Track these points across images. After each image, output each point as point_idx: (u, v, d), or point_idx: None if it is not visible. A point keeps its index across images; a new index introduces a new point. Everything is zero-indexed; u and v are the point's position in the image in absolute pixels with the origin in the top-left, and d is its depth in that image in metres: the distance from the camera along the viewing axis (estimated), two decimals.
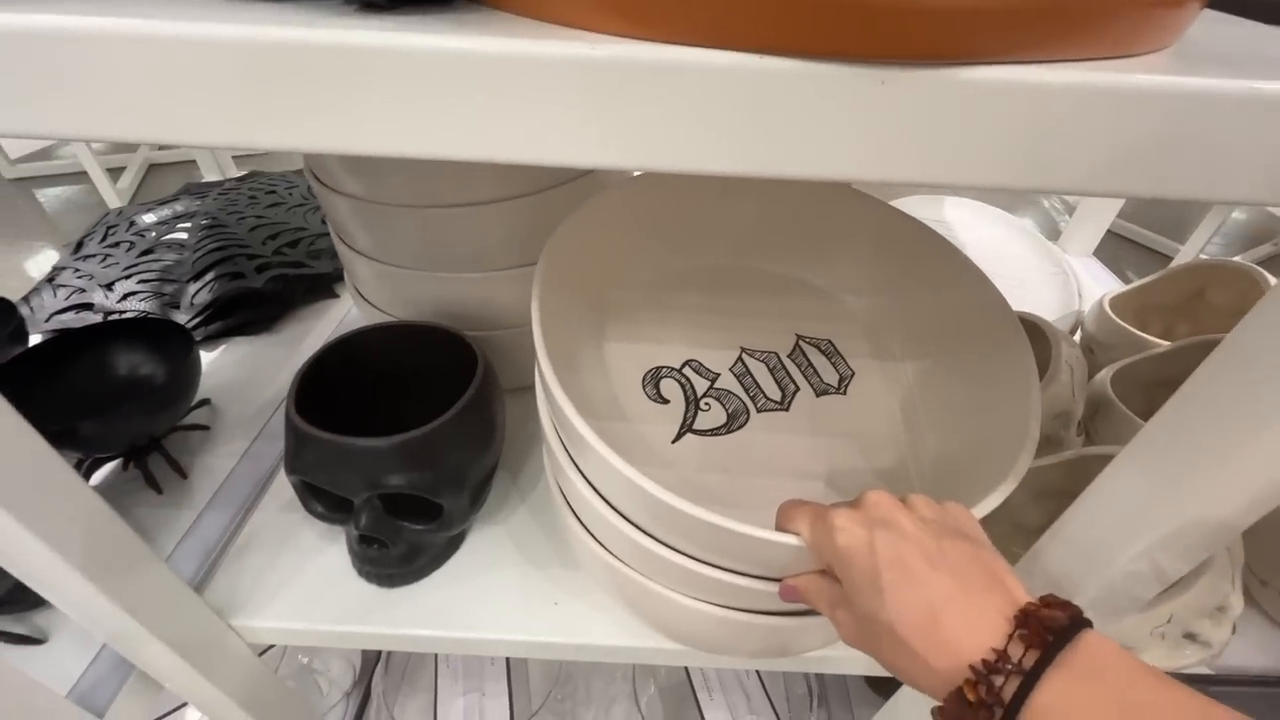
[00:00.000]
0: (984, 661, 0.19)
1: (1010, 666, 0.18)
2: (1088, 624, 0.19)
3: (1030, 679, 0.18)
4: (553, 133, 0.15)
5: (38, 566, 0.26)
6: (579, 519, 0.34)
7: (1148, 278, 0.59)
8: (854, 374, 0.39)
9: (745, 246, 0.43)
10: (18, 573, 0.27)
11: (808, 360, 0.40)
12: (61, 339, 0.46)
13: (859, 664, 0.38)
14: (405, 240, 0.43)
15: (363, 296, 0.50)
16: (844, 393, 0.38)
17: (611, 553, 0.32)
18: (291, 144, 0.16)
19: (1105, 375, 0.47)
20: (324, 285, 0.66)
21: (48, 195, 1.94)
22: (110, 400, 0.46)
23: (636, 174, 0.42)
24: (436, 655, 0.54)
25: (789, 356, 0.40)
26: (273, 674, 0.42)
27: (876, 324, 0.41)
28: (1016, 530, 0.39)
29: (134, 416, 0.43)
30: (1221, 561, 0.31)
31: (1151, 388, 0.49)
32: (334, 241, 0.49)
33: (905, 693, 0.42)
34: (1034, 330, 0.45)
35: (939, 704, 0.20)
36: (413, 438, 0.33)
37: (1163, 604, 0.31)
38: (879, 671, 0.37)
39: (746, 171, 0.16)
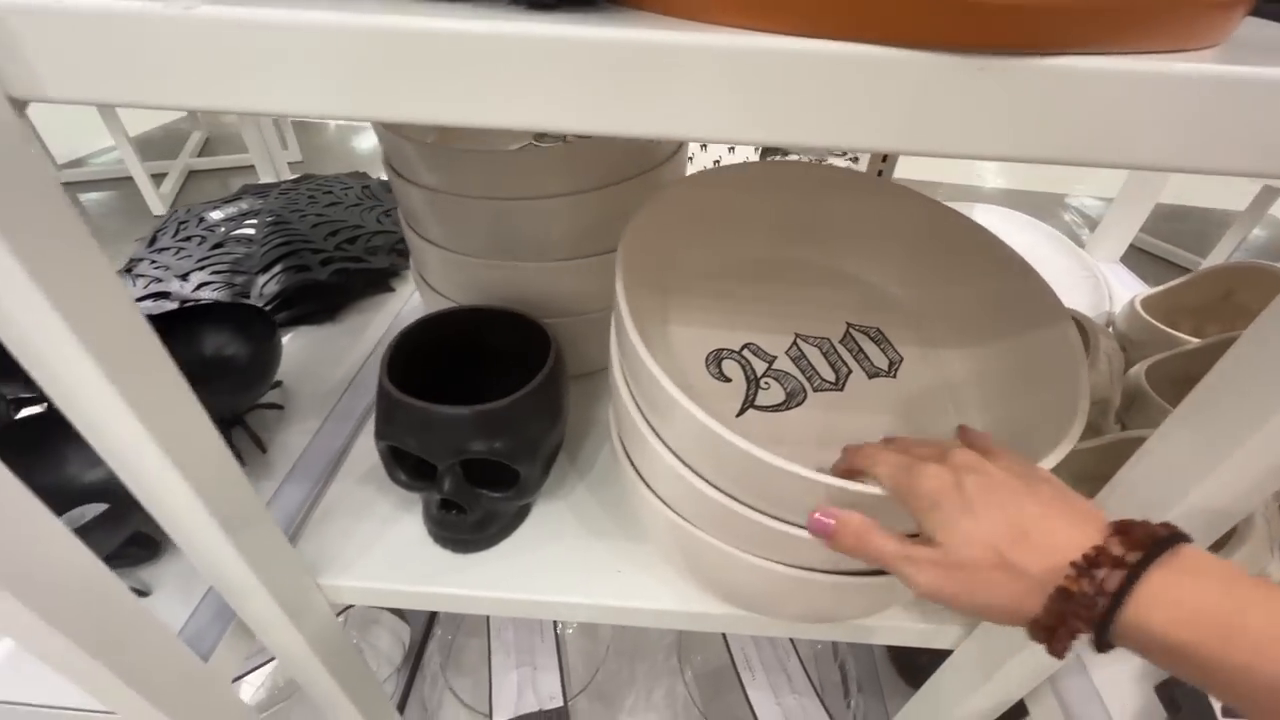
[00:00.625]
0: (1085, 556, 0.19)
1: (1114, 559, 0.19)
2: (1186, 539, 0.20)
3: (1136, 570, 0.18)
4: (702, 112, 0.18)
5: (183, 512, 0.29)
6: (648, 485, 0.36)
7: (1178, 280, 0.61)
8: (902, 359, 0.41)
9: (796, 240, 0.46)
10: (164, 515, 0.30)
11: (859, 346, 0.42)
12: (154, 320, 0.50)
13: (905, 634, 0.40)
14: (475, 230, 0.46)
15: (428, 284, 0.53)
16: (894, 376, 0.41)
17: (681, 515, 0.34)
18: (485, 120, 0.19)
19: (1140, 369, 0.49)
20: (381, 280, 0.69)
21: (89, 199, 2.01)
22: (198, 378, 0.49)
23: (694, 172, 0.45)
24: (489, 631, 0.56)
25: (840, 342, 0.42)
26: (348, 635, 0.45)
27: (922, 313, 0.43)
28: None
29: (222, 393, 0.46)
30: (1260, 532, 0.33)
31: (1182, 383, 0.51)
32: (404, 231, 0.52)
33: (938, 680, 0.44)
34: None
35: (1036, 616, 0.21)
36: (498, 407, 0.36)
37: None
38: (918, 644, 0.39)
39: (865, 146, 0.18)
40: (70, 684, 0.34)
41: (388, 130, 0.44)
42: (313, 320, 0.63)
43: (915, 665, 0.66)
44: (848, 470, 0.28)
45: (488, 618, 0.57)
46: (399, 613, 0.65)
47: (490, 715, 0.50)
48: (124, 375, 0.24)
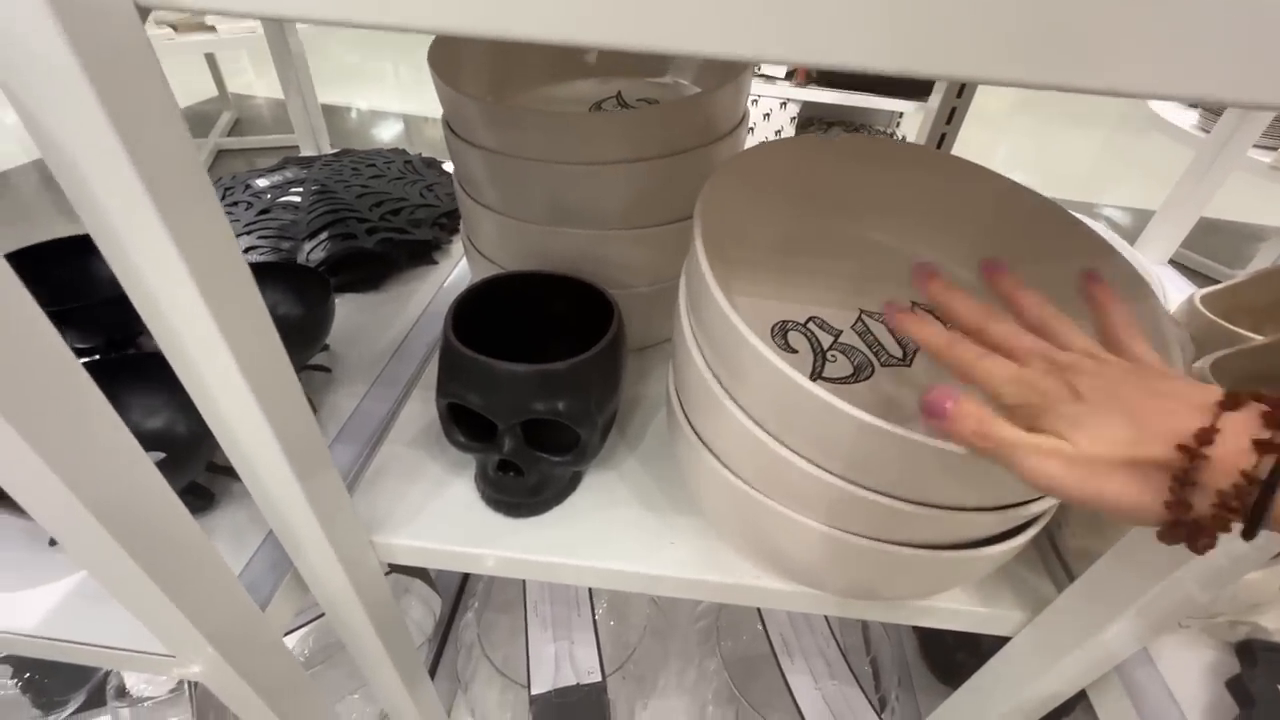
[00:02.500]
0: (1223, 443, 0.18)
1: (1261, 443, 0.18)
2: None
3: None
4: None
5: (261, 454, 0.29)
6: (713, 452, 0.35)
7: (1239, 277, 0.59)
8: None
9: (860, 216, 0.45)
10: (242, 456, 0.29)
11: None
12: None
13: (964, 618, 0.39)
14: (533, 194, 0.46)
15: (479, 251, 0.53)
16: None
17: (748, 482, 0.34)
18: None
19: (1204, 363, 0.48)
20: (424, 251, 0.69)
21: None
22: None
23: (757, 143, 0.44)
24: (525, 605, 0.56)
25: None
26: (393, 596, 0.45)
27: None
28: (1090, 515, 0.40)
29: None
30: None
31: (1246, 379, 0.50)
32: (458, 196, 0.52)
33: (993, 668, 0.43)
34: None
35: (1171, 515, 0.20)
36: (563, 368, 0.36)
37: None
38: (976, 629, 0.38)
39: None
40: (131, 625, 0.34)
41: (449, 88, 0.44)
42: (357, 288, 0.63)
43: (951, 662, 0.65)
44: (960, 369, 0.25)
45: (523, 591, 0.57)
46: (430, 582, 0.65)
47: (529, 686, 0.49)
48: (224, 312, 0.24)
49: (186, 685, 0.54)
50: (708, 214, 0.34)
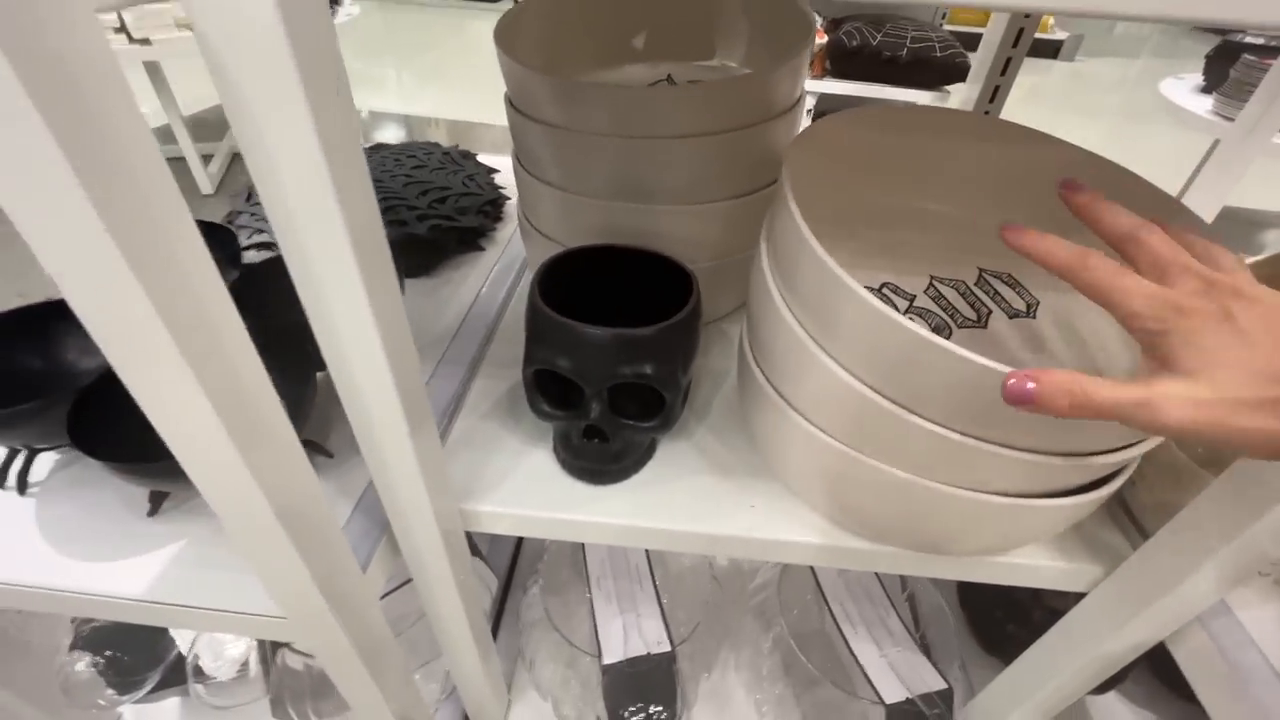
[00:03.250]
0: None
1: None
2: None
3: None
4: None
5: (382, 406, 0.30)
6: (794, 408, 0.36)
7: (1258, 257, 0.59)
8: (1039, 302, 0.42)
9: (921, 187, 0.46)
10: (362, 409, 0.30)
11: (994, 289, 0.42)
12: (276, 263, 0.51)
13: (1042, 574, 0.40)
14: (596, 169, 0.47)
15: (538, 230, 0.53)
16: (1033, 317, 0.41)
17: (832, 435, 0.35)
18: None
19: None
20: (471, 238, 0.70)
21: None
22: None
23: (824, 117, 0.45)
24: (588, 581, 0.57)
25: (975, 285, 0.42)
26: (472, 561, 0.45)
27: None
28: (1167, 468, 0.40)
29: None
30: None
31: None
32: (517, 176, 0.53)
33: (1066, 625, 0.43)
34: None
35: None
36: (651, 332, 0.36)
37: None
38: (1054, 585, 0.38)
39: None
40: (237, 590, 0.35)
41: (520, 65, 0.45)
42: (410, 274, 0.64)
43: (1002, 634, 0.65)
44: (1095, 288, 0.23)
45: (585, 568, 0.58)
46: (486, 562, 0.65)
47: (600, 656, 0.50)
48: (368, 264, 0.25)
49: (257, 662, 0.55)
50: (795, 177, 0.35)
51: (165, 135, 1.81)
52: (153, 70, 1.61)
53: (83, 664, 0.50)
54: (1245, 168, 0.87)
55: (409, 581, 0.56)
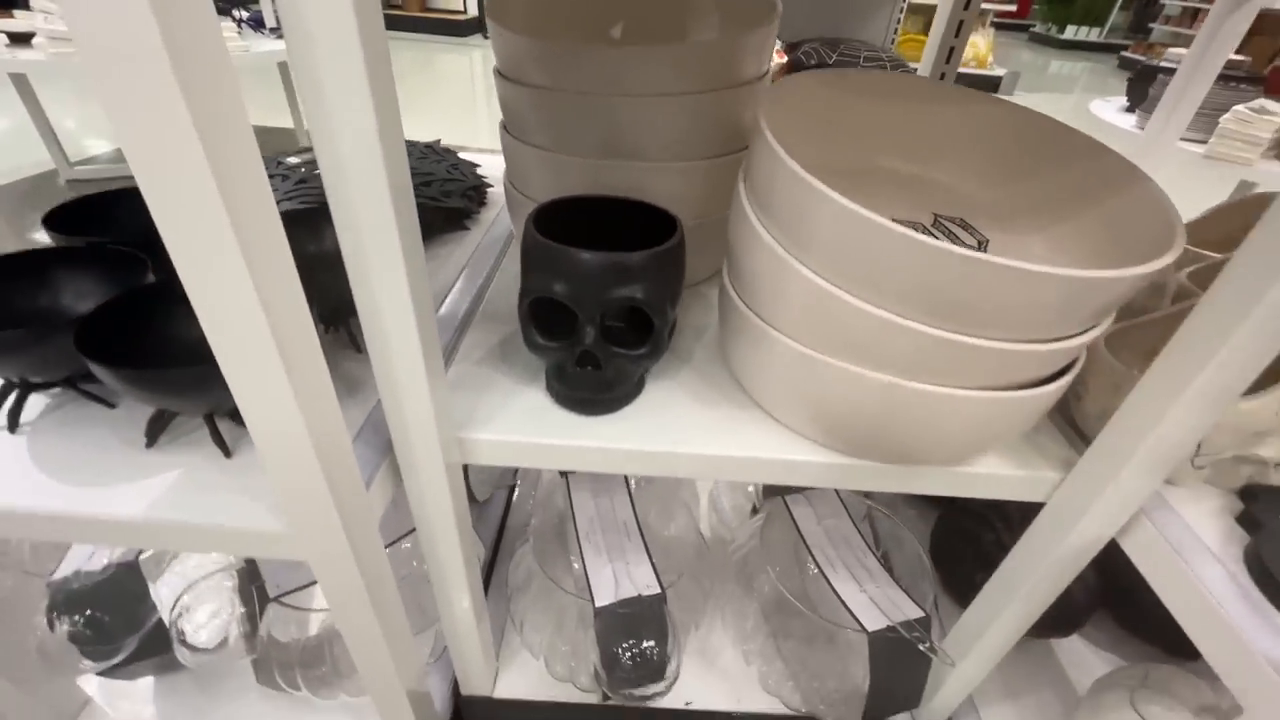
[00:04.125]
0: None
1: None
2: None
3: None
4: None
5: (400, 317, 0.32)
6: (771, 325, 0.39)
7: (1200, 214, 0.67)
8: (989, 240, 0.46)
9: (878, 145, 0.50)
10: (379, 327, 0.32)
11: (949, 230, 0.46)
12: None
13: (1003, 484, 0.43)
14: (582, 130, 0.50)
15: (525, 195, 0.56)
16: (984, 252, 0.45)
17: (806, 345, 0.38)
18: None
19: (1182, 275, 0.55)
20: (457, 219, 0.72)
21: None
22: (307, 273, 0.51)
23: (790, 76, 0.49)
24: (578, 535, 0.58)
25: (932, 226, 0.47)
26: (466, 495, 0.47)
27: (1003, 205, 0.48)
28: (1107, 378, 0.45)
29: (329, 289, 0.48)
30: None
31: None
32: (504, 145, 0.56)
33: (1034, 530, 0.47)
34: None
35: None
36: (641, 257, 0.39)
37: (1276, 385, 0.37)
38: (1015, 495, 0.42)
39: None
40: (240, 509, 0.36)
41: (509, 31, 0.49)
42: None
43: (970, 585, 0.68)
44: None
45: (574, 525, 0.59)
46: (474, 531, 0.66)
47: (592, 600, 0.51)
48: (399, 195, 0.28)
49: (238, 637, 0.54)
50: (769, 113, 0.39)
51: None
52: None
53: (60, 628, 0.49)
54: (1157, 170, 0.97)
55: (403, 538, 0.56)
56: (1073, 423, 0.46)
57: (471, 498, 0.75)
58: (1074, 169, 0.45)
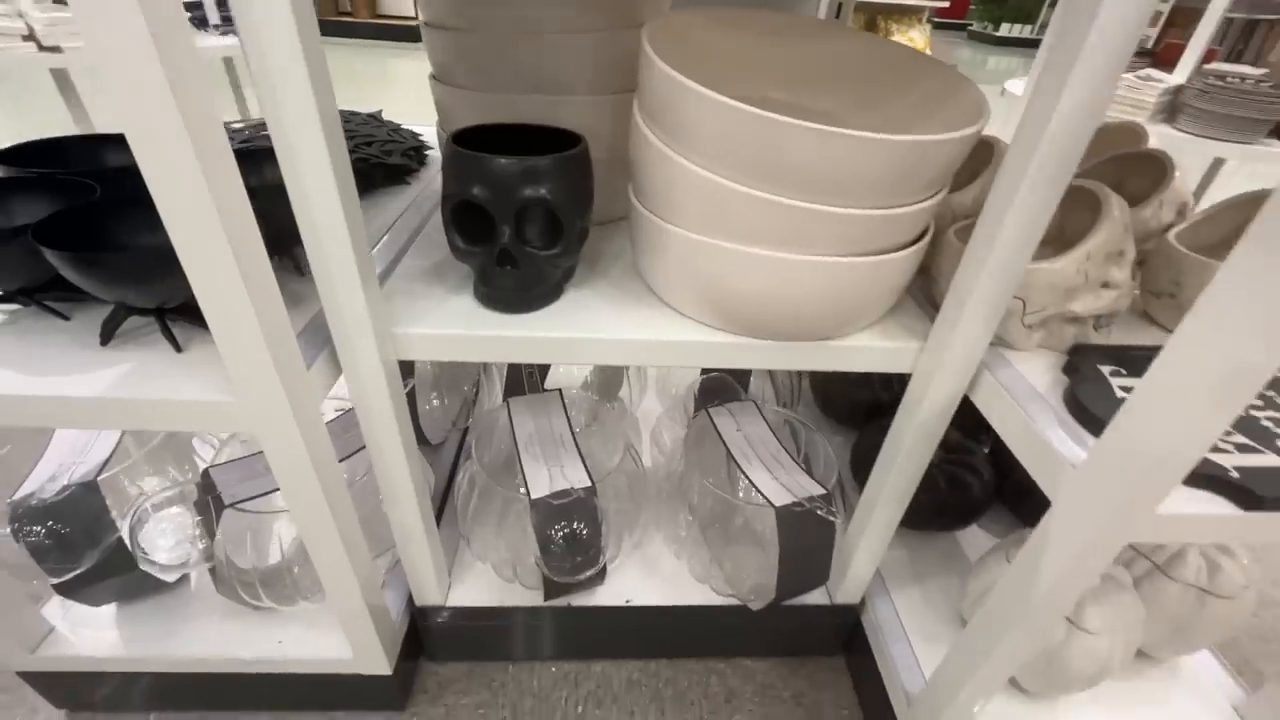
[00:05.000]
0: None
1: None
2: None
3: None
4: None
5: (334, 226, 0.38)
6: (667, 221, 0.45)
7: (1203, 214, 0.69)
8: None
9: (763, 80, 0.57)
10: (316, 236, 0.38)
11: None
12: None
13: (873, 356, 0.50)
14: (502, 67, 0.55)
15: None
16: None
17: (698, 232, 0.44)
18: None
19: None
20: (397, 175, 0.77)
21: None
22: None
23: (684, 8, 0.55)
24: (517, 446, 0.63)
25: None
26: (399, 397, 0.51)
27: (871, 125, 0.55)
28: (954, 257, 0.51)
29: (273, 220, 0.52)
30: (1114, 218, 0.45)
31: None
32: (434, 92, 0.61)
33: (905, 406, 0.54)
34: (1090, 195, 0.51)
35: None
36: (548, 160, 0.45)
37: (1079, 246, 0.45)
38: (884, 367, 0.49)
39: None
40: (190, 385, 0.40)
41: None
42: None
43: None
44: None
45: (514, 439, 0.64)
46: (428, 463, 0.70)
47: (528, 494, 0.56)
48: (329, 130, 0.33)
49: (196, 537, 0.58)
50: (654, 38, 0.45)
51: None
52: (61, 79, 1.60)
53: (21, 542, 0.52)
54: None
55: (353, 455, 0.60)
56: (934, 303, 0.53)
57: (424, 440, 0.79)
58: (924, 85, 0.52)
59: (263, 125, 0.82)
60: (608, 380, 0.86)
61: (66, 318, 0.47)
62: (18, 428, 0.41)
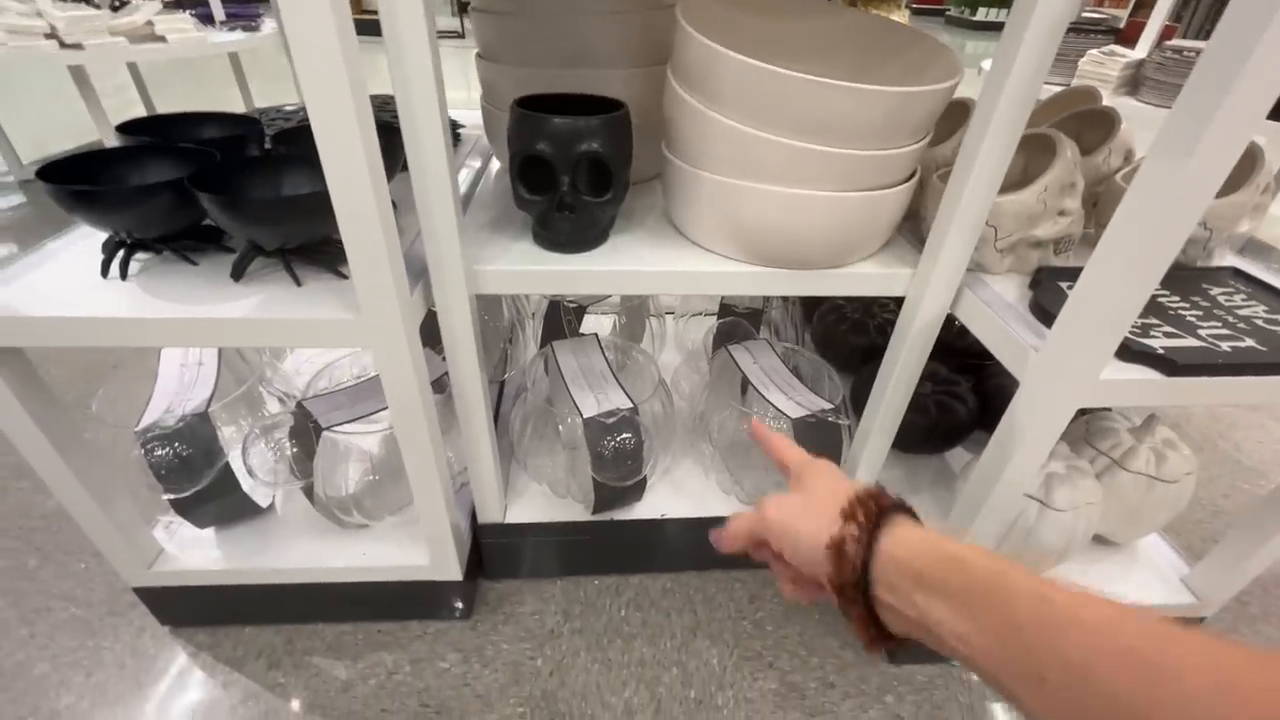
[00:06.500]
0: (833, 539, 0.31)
1: (856, 534, 0.30)
2: (904, 508, 0.32)
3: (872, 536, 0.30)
4: None
5: (439, 178, 0.46)
6: (695, 166, 0.55)
7: None
8: None
9: (770, 51, 0.66)
10: (425, 189, 0.46)
11: None
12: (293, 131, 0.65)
13: (870, 281, 0.60)
14: (542, 45, 0.64)
15: (498, 109, 0.70)
16: None
17: (723, 175, 0.53)
18: None
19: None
20: None
21: None
22: None
23: None
24: (564, 379, 0.72)
25: None
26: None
27: None
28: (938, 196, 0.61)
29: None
30: (1066, 157, 0.55)
31: None
32: (479, 69, 0.69)
33: (902, 324, 0.63)
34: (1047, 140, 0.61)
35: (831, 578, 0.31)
36: (600, 119, 0.54)
37: (1038, 179, 0.54)
38: (880, 291, 0.58)
39: None
40: (315, 309, 0.49)
41: None
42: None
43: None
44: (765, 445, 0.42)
45: (560, 373, 0.73)
46: None
47: (580, 414, 0.66)
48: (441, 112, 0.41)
49: (294, 457, 0.66)
50: (686, 11, 0.54)
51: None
52: (79, 77, 1.65)
53: (151, 459, 0.60)
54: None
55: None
56: (921, 239, 0.63)
57: None
58: (909, 53, 0.62)
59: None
60: (631, 329, 0.96)
61: (195, 263, 0.55)
62: (182, 346, 0.50)
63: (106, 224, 0.50)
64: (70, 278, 0.53)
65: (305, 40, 0.36)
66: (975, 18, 7.17)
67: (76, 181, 0.50)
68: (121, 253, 0.52)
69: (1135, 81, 1.58)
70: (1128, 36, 1.80)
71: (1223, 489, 1.04)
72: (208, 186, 0.50)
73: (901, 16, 4.68)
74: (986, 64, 2.05)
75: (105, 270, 0.52)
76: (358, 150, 0.41)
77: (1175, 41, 1.58)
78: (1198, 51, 1.50)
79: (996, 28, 7.62)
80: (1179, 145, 0.37)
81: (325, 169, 0.42)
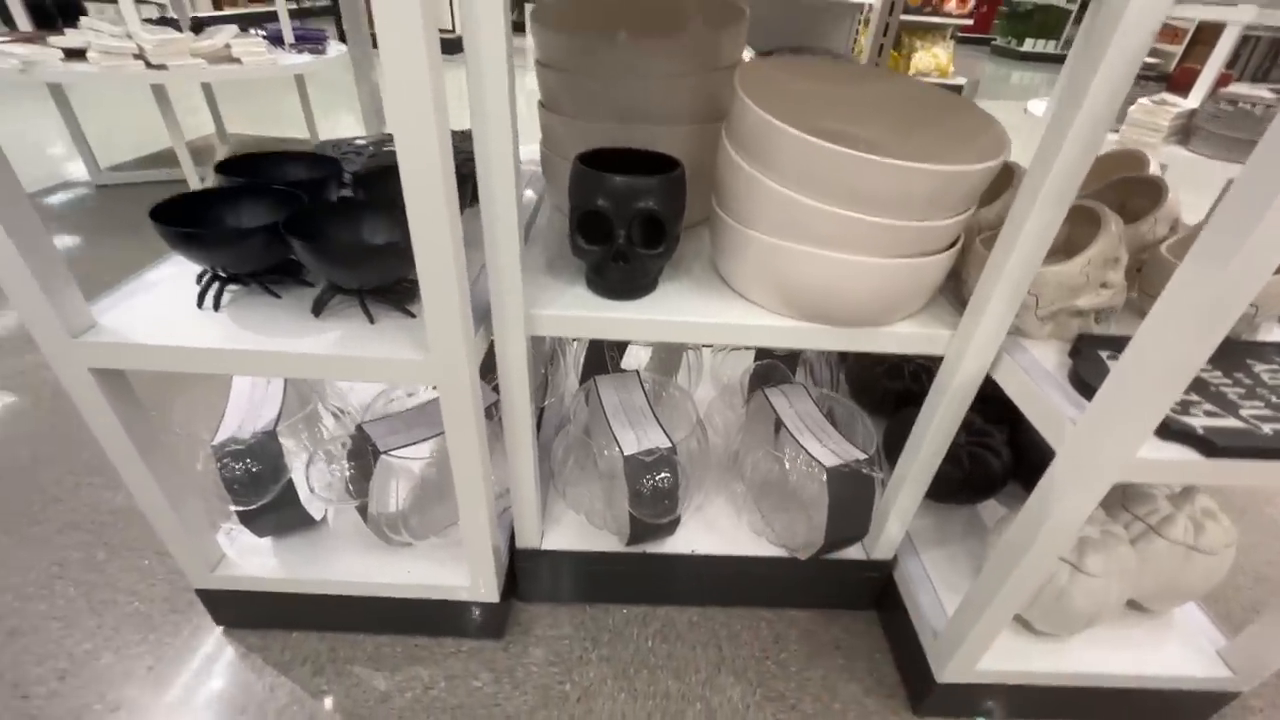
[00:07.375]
0: None
1: None
2: None
3: None
4: None
5: (506, 224, 0.50)
6: (747, 227, 0.57)
7: None
8: None
9: (819, 113, 0.69)
10: (493, 233, 0.50)
11: None
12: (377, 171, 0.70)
13: (908, 340, 0.61)
14: (602, 102, 0.68)
15: (559, 156, 0.74)
16: None
17: (773, 236, 0.56)
18: None
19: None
20: None
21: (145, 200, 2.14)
22: None
23: (760, 58, 0.68)
24: (605, 415, 0.75)
25: None
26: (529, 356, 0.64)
27: (907, 151, 0.67)
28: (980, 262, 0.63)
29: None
30: (1110, 231, 0.56)
31: None
32: (540, 118, 0.74)
33: (938, 383, 0.65)
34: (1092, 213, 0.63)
35: None
36: (658, 179, 0.57)
37: (1081, 254, 0.56)
38: (920, 350, 0.60)
39: None
40: (388, 349, 0.53)
41: (549, 30, 0.67)
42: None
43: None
44: None
45: (602, 408, 0.76)
46: None
47: (621, 451, 0.69)
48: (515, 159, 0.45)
49: (352, 477, 0.70)
50: (743, 82, 0.57)
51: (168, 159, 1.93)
52: (159, 93, 1.77)
53: (224, 472, 0.65)
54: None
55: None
56: (962, 300, 0.64)
57: None
58: (952, 120, 0.64)
59: (384, 140, 0.97)
60: (666, 362, 0.98)
61: (279, 296, 0.60)
62: (259, 376, 0.54)
63: (206, 261, 0.56)
64: (167, 307, 0.58)
65: (403, 114, 0.40)
66: (1022, 48, 7.10)
67: (179, 220, 0.55)
68: (216, 285, 0.57)
69: (1187, 131, 1.56)
70: (1179, 83, 1.78)
71: (1267, 555, 1.02)
72: (297, 230, 0.54)
73: (946, 48, 4.68)
74: (1032, 104, 2.04)
75: (200, 301, 0.57)
76: (440, 202, 0.45)
77: (1232, 89, 1.56)
78: (1254, 102, 1.48)
79: (1043, 59, 7.56)
80: (1241, 219, 0.36)
81: (411, 224, 0.45)
